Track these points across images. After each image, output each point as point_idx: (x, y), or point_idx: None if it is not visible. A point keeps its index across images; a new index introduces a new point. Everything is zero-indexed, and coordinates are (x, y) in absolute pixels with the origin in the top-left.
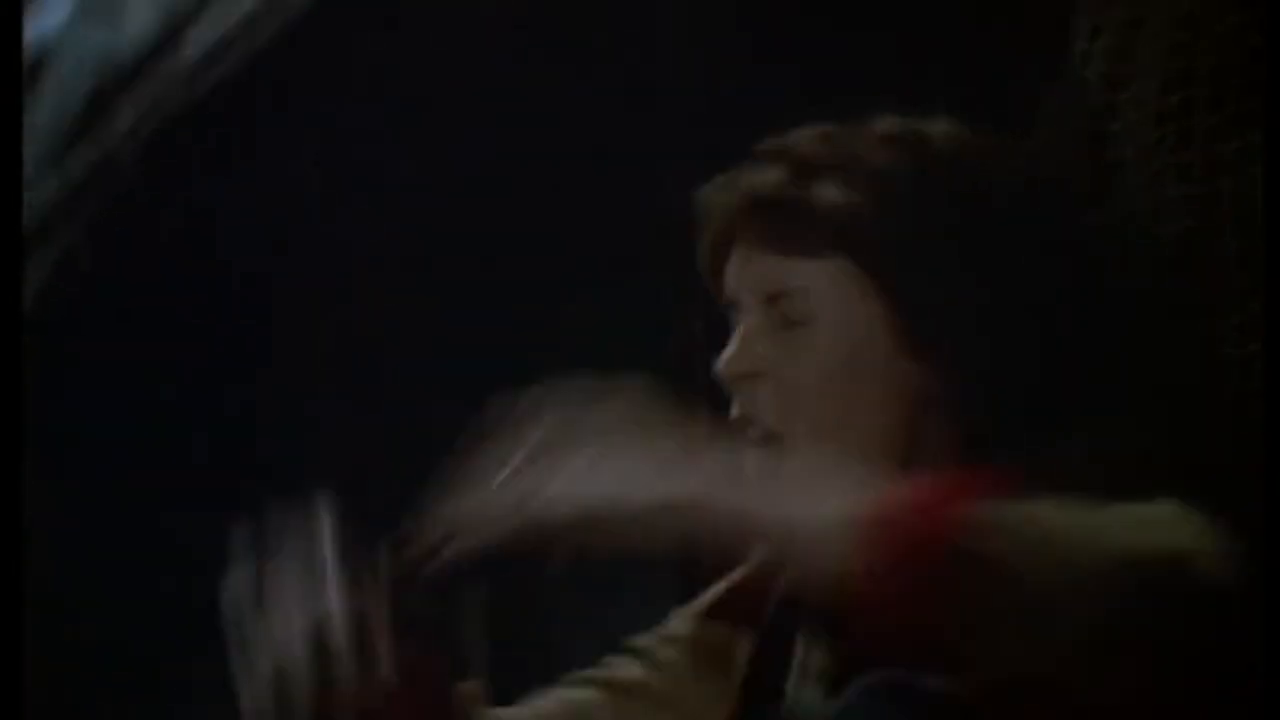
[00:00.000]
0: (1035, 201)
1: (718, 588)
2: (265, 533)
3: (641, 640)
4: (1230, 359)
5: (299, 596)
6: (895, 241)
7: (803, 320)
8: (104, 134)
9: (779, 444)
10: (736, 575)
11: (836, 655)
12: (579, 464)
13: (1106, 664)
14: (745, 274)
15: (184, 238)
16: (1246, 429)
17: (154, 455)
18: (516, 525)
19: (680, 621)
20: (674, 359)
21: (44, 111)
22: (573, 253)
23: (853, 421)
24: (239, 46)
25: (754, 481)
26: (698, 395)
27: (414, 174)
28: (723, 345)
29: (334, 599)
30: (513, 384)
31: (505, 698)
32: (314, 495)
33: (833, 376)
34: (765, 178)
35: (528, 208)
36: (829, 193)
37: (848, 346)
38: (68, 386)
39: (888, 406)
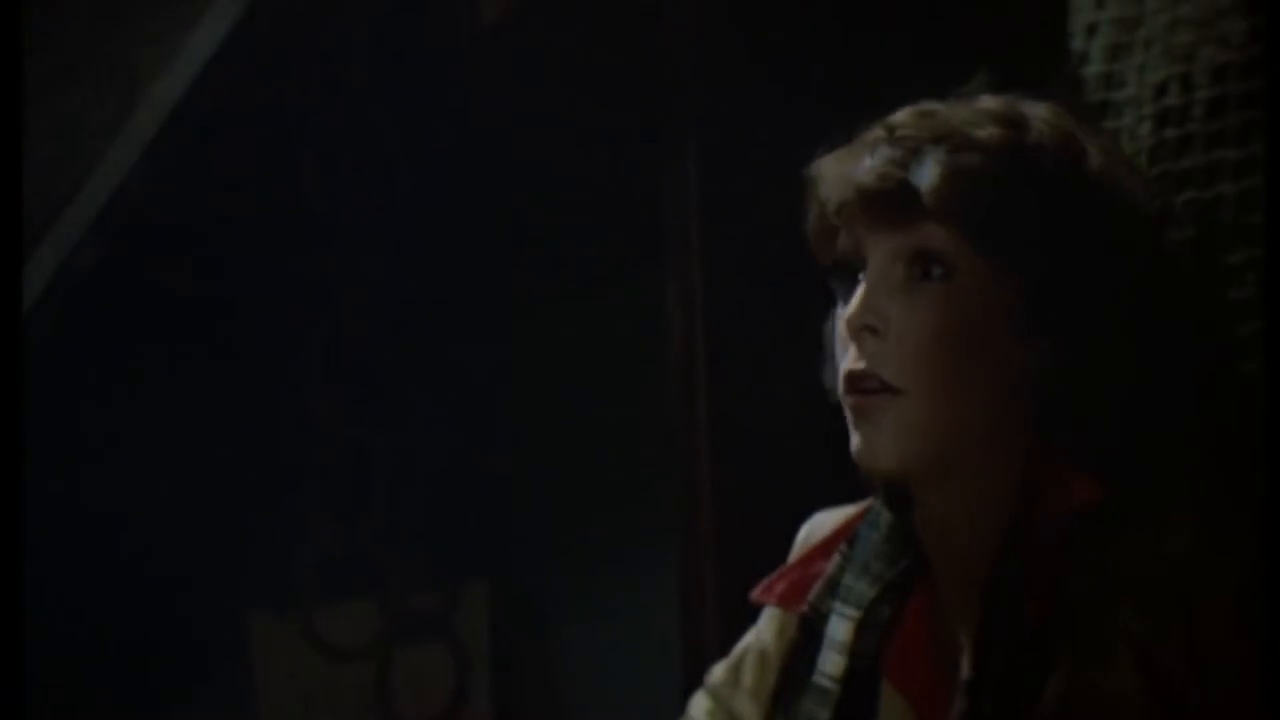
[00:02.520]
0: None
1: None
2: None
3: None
4: (1234, 372)
5: None
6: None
7: (933, 278)
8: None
9: (896, 396)
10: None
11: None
12: None
13: None
14: (875, 235)
15: (185, 239)
16: (1249, 440)
17: (154, 455)
18: None
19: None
20: (673, 360)
21: None
22: (570, 253)
23: (968, 384)
24: (242, 51)
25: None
26: (696, 393)
27: (414, 183)
28: (719, 347)
29: None
30: (510, 384)
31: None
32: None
33: (952, 336)
34: (888, 157)
35: (526, 209)
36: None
37: (969, 310)
38: (68, 386)
39: (1001, 375)
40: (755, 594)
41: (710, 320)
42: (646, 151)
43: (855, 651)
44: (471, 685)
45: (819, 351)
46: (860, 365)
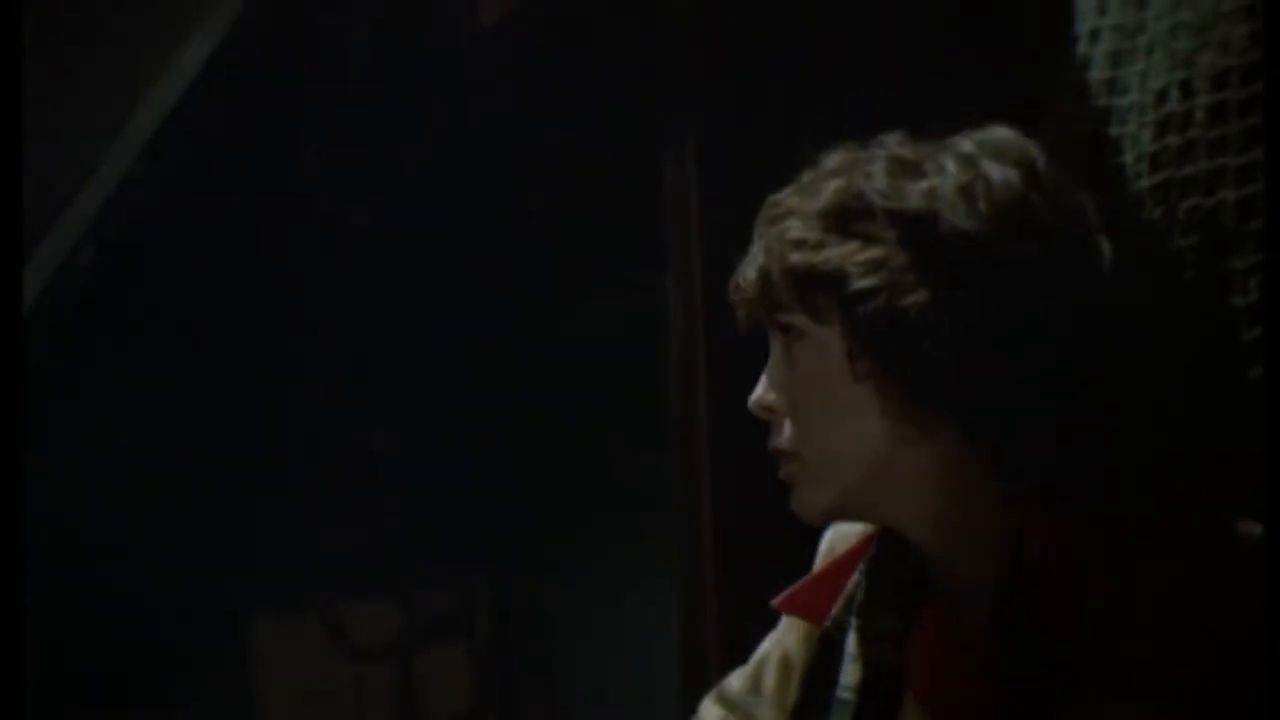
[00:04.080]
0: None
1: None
2: None
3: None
4: (1237, 377)
5: None
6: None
7: (791, 341)
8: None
9: (795, 461)
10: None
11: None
12: None
13: None
14: (769, 327)
15: (186, 239)
16: (1252, 446)
17: (154, 453)
18: None
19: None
20: (674, 364)
21: None
22: (572, 258)
23: (840, 440)
24: (242, 52)
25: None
26: (696, 393)
27: (414, 183)
28: (719, 347)
29: None
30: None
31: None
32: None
33: (815, 390)
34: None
35: (527, 209)
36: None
37: (814, 361)
38: (68, 386)
39: (870, 424)
40: (777, 602)
41: (710, 320)
42: (646, 151)
43: (866, 660)
44: (484, 686)
45: None
46: (771, 444)
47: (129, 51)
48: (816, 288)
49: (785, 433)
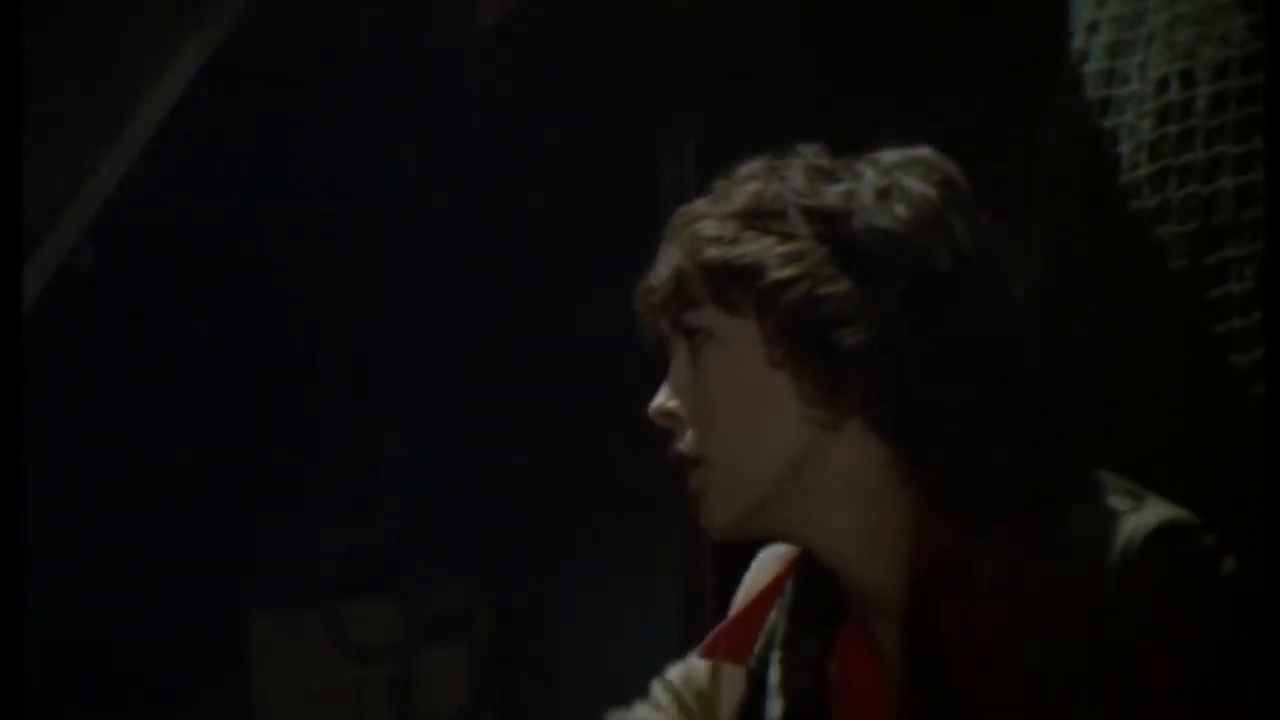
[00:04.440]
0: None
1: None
2: None
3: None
4: (1233, 366)
5: None
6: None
7: (699, 346)
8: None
9: (702, 468)
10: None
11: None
12: None
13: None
14: (672, 335)
15: (186, 239)
16: (1248, 435)
17: (154, 453)
18: None
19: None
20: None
21: None
22: (572, 258)
23: (754, 438)
24: (241, 53)
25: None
26: None
27: (415, 184)
28: None
29: None
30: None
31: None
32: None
33: (725, 389)
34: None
35: (527, 210)
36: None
37: (727, 362)
38: (68, 387)
39: (793, 416)
40: (700, 650)
41: None
42: (646, 151)
43: (788, 690)
44: (484, 686)
45: None
46: (676, 449)
47: (128, 51)
48: (732, 280)
49: (688, 438)
